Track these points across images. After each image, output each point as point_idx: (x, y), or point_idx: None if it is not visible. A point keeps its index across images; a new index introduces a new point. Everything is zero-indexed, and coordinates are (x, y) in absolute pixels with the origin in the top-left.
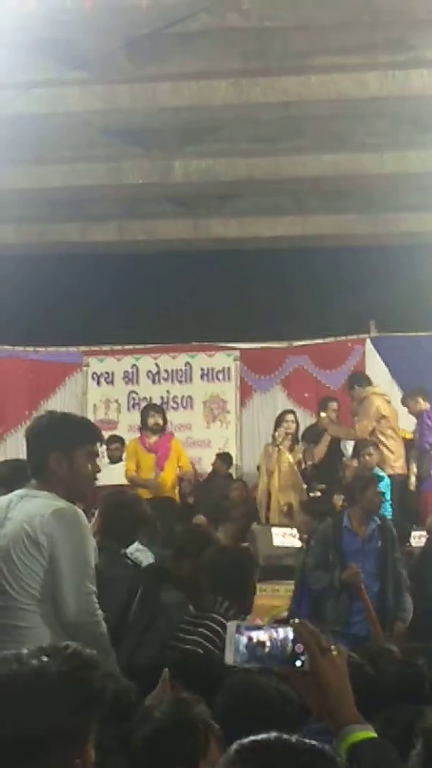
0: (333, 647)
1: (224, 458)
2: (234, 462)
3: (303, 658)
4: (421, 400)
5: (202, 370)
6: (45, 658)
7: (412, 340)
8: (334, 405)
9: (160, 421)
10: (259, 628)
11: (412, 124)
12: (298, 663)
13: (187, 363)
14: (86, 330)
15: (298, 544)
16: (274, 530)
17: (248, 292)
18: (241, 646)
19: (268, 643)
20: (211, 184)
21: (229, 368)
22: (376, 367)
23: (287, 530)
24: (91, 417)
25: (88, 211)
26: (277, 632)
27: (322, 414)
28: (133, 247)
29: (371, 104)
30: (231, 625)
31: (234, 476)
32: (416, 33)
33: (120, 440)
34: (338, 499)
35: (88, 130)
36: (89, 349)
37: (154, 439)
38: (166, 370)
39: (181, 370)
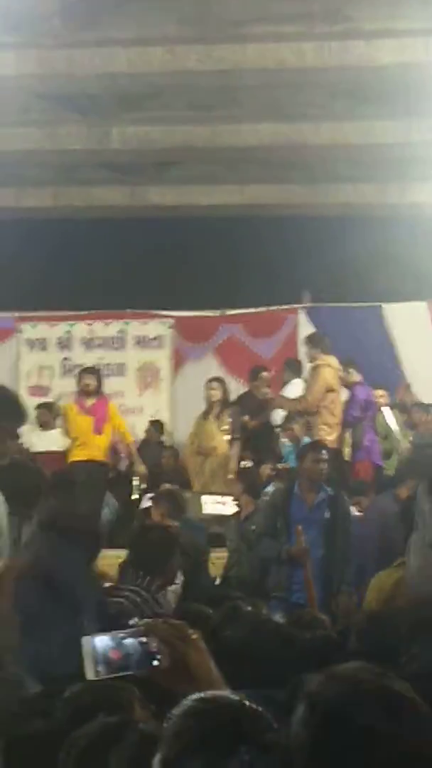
0: (193, 633)
1: (156, 426)
2: (166, 429)
3: (158, 656)
4: (353, 371)
5: (136, 337)
6: None
7: (345, 311)
8: (265, 375)
9: (94, 383)
10: (112, 637)
11: (349, 96)
12: (155, 662)
13: (121, 330)
14: (20, 296)
15: (227, 511)
16: (204, 498)
17: (183, 260)
18: (98, 658)
19: (123, 652)
20: (148, 152)
21: (162, 336)
22: None
23: (217, 498)
24: (23, 383)
25: (24, 176)
26: (128, 639)
27: (265, 389)
28: (69, 213)
29: (309, 74)
30: (85, 641)
31: (166, 444)
32: (354, 4)
33: (49, 406)
34: (265, 468)
35: (24, 94)
36: (22, 315)
37: (91, 401)
38: (100, 337)
39: (115, 337)
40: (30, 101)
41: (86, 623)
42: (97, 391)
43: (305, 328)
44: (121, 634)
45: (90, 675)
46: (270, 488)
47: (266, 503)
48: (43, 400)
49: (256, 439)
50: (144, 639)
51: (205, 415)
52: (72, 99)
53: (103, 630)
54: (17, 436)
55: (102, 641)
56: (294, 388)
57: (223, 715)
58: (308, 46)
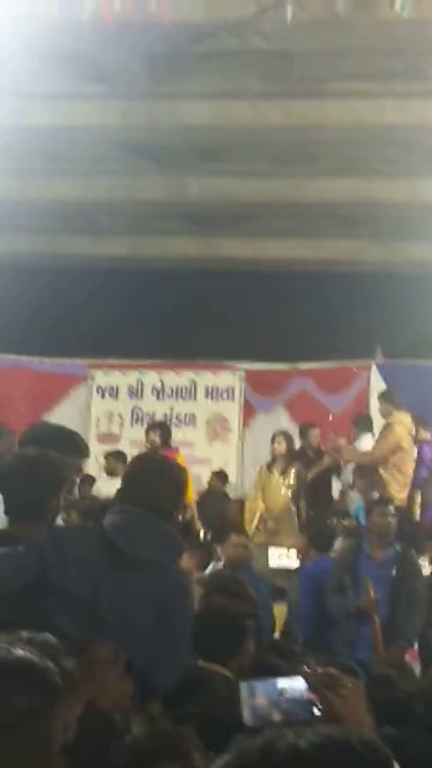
0: (350, 683)
1: (220, 476)
2: (230, 480)
3: (320, 705)
4: (422, 430)
5: (206, 388)
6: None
7: (417, 368)
8: (315, 432)
9: (159, 439)
10: (271, 684)
11: (426, 154)
12: (316, 711)
13: (192, 380)
14: (93, 343)
15: (292, 565)
16: (271, 550)
17: (256, 312)
18: (257, 706)
19: (284, 701)
20: (224, 204)
21: (233, 388)
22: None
23: (283, 551)
24: (93, 430)
25: (101, 225)
26: (289, 686)
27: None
28: (143, 262)
29: (387, 132)
30: (243, 686)
31: (231, 495)
32: None
33: (123, 456)
34: (331, 523)
35: (105, 144)
36: (95, 362)
37: None
38: (170, 387)
39: (185, 387)
40: (111, 151)
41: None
42: (164, 445)
43: (377, 384)
44: (281, 682)
45: (248, 721)
46: (337, 543)
47: (335, 559)
48: (112, 447)
49: (318, 492)
50: (303, 687)
51: (270, 467)
52: (152, 150)
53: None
54: (81, 471)
55: (262, 688)
56: (363, 444)
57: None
58: (388, 103)
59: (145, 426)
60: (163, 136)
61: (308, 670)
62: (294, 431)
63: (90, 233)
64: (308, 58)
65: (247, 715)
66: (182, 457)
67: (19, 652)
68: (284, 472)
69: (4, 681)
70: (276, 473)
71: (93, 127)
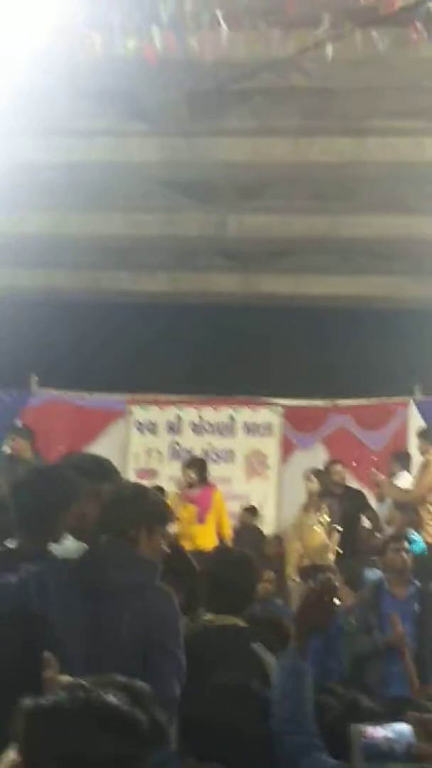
0: None
1: (251, 511)
2: (265, 515)
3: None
4: None
5: (245, 424)
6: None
7: None
8: (337, 467)
9: (194, 475)
10: (379, 728)
11: None
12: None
13: (231, 416)
14: (132, 378)
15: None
16: None
17: (294, 348)
18: (367, 749)
19: (390, 743)
20: (263, 241)
21: (272, 423)
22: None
23: None
24: (132, 465)
25: (141, 261)
26: (395, 729)
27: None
28: (183, 298)
29: (426, 169)
30: (355, 730)
31: (268, 531)
32: None
33: (161, 490)
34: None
35: (145, 180)
36: (134, 397)
37: (195, 490)
38: (209, 422)
39: (224, 422)
40: (151, 187)
41: None
42: (201, 481)
43: (416, 420)
44: (391, 727)
45: (359, 765)
46: (372, 575)
47: (358, 599)
48: (150, 483)
49: (352, 529)
50: (409, 731)
51: (306, 507)
52: (192, 186)
53: None
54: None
55: (371, 732)
56: (401, 481)
57: None
58: (428, 140)
59: (183, 462)
60: (204, 173)
61: (413, 714)
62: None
63: (130, 269)
64: (348, 96)
65: (356, 760)
66: (219, 492)
67: (111, 698)
68: (318, 510)
69: (88, 728)
70: (311, 511)
71: (134, 163)
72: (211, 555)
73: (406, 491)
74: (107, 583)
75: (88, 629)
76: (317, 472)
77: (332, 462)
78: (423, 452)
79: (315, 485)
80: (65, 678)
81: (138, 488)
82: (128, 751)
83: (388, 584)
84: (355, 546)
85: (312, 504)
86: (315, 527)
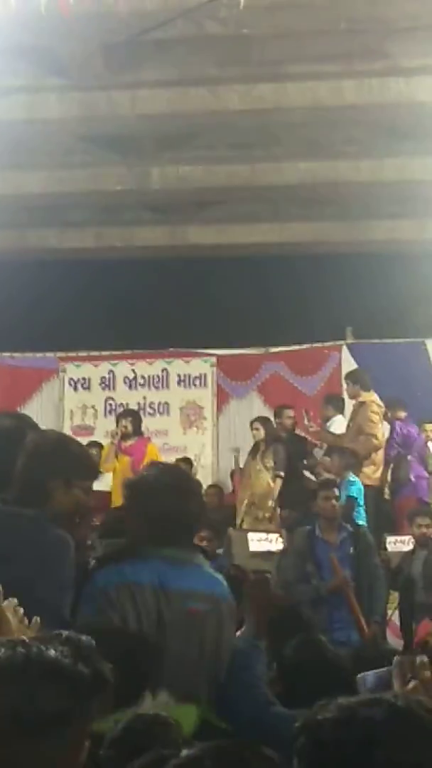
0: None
1: (185, 462)
2: (205, 467)
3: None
4: (401, 410)
5: (178, 376)
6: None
7: (388, 347)
8: (289, 413)
9: (129, 426)
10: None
11: (388, 133)
12: None
13: (164, 369)
14: (63, 336)
15: (274, 548)
16: (250, 535)
17: (225, 298)
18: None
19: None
20: (188, 192)
21: (205, 374)
22: None
23: (263, 535)
24: (68, 423)
25: (66, 218)
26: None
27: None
28: (110, 253)
29: (348, 112)
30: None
31: (207, 481)
32: (393, 41)
33: (99, 446)
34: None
35: (66, 136)
36: (66, 354)
37: (130, 442)
38: (142, 376)
39: (157, 376)
40: (72, 143)
41: None
42: (136, 433)
43: (348, 364)
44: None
45: None
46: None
47: (292, 549)
48: (87, 439)
49: (294, 475)
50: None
51: (253, 454)
52: (113, 141)
53: None
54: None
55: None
56: (336, 425)
57: None
58: (347, 84)
59: (117, 413)
60: (124, 126)
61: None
62: (269, 414)
63: (55, 226)
64: (264, 42)
65: None
66: (154, 445)
67: (50, 653)
68: (264, 456)
69: (29, 684)
70: (257, 457)
71: (53, 119)
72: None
73: (339, 436)
74: None
75: None
76: (262, 420)
77: (283, 407)
78: (352, 396)
79: (261, 433)
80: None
81: (59, 440)
82: (70, 705)
83: (320, 531)
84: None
85: (258, 450)
86: (261, 472)
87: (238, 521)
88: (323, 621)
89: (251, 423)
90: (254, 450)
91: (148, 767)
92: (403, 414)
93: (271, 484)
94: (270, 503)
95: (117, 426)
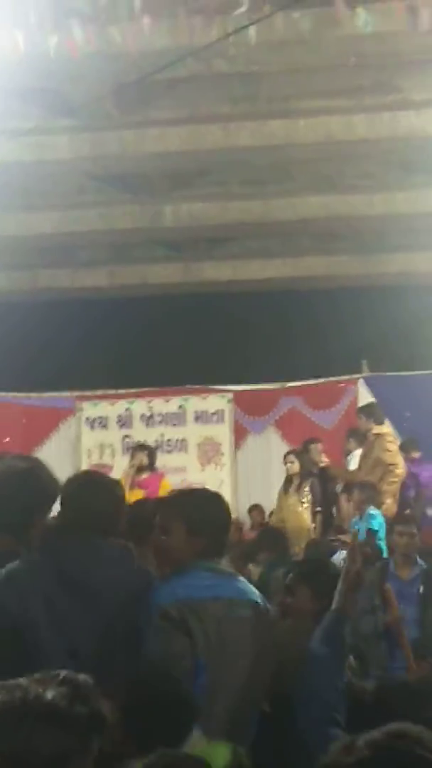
0: None
1: None
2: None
3: None
4: (412, 451)
5: (195, 412)
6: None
7: (404, 379)
8: (318, 447)
9: (145, 460)
10: None
11: (400, 166)
12: None
13: (181, 406)
14: (79, 375)
15: None
16: None
17: (240, 334)
18: None
19: None
20: (201, 228)
21: (222, 410)
22: None
23: None
24: (85, 462)
25: (79, 257)
26: None
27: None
28: (124, 292)
29: (359, 146)
30: None
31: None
32: (403, 75)
33: (118, 484)
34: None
35: (77, 176)
36: (82, 393)
37: (144, 476)
38: (159, 414)
39: (174, 413)
40: (84, 183)
41: None
42: (150, 467)
43: (365, 397)
44: None
45: None
46: (338, 557)
47: (365, 582)
48: None
49: (330, 509)
50: None
51: (286, 489)
52: (125, 179)
53: None
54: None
55: None
56: (354, 458)
57: None
58: (358, 118)
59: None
60: (135, 165)
61: None
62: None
63: (68, 266)
64: (274, 78)
65: None
66: (167, 481)
67: (47, 695)
68: (299, 490)
69: (26, 727)
70: (292, 493)
71: (64, 160)
72: None
73: (353, 471)
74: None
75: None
76: (297, 453)
77: (311, 440)
78: (366, 430)
79: (296, 466)
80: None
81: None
82: (68, 747)
83: (394, 566)
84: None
85: (293, 486)
86: (298, 509)
87: None
88: (382, 656)
89: (285, 456)
90: (286, 484)
91: None
92: (416, 454)
93: (308, 519)
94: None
95: (132, 459)
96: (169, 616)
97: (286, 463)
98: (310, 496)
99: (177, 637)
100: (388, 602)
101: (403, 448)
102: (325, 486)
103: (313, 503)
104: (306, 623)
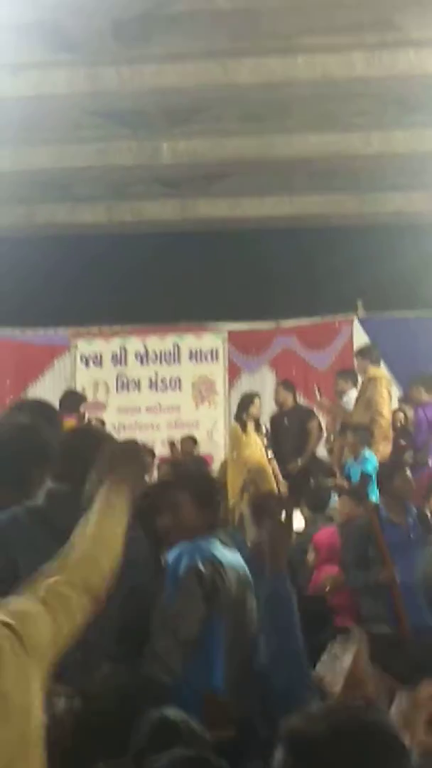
0: None
1: (191, 440)
2: (215, 441)
3: None
4: (423, 391)
5: (190, 351)
6: None
7: (399, 320)
8: (279, 389)
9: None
10: None
11: (398, 105)
12: None
13: (176, 344)
14: (74, 311)
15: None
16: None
17: (236, 272)
18: None
19: None
20: (198, 165)
21: (217, 349)
22: None
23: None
24: None
25: (76, 193)
26: None
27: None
28: (121, 228)
29: (358, 84)
30: None
31: (214, 455)
32: (403, 13)
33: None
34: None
35: (75, 111)
36: (77, 330)
37: None
38: (154, 352)
39: (169, 351)
40: (82, 118)
41: None
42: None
43: (360, 338)
44: None
45: None
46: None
47: (354, 533)
48: (99, 415)
49: (298, 452)
50: None
51: (244, 428)
52: (122, 115)
53: None
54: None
55: None
56: (350, 399)
57: None
58: (357, 56)
59: (173, 439)
60: (134, 101)
61: None
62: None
63: (65, 201)
64: (274, 15)
65: None
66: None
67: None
68: (258, 429)
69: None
70: (251, 431)
71: (62, 94)
72: None
73: (350, 413)
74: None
75: None
76: (258, 395)
77: (276, 383)
78: (361, 371)
79: (257, 409)
80: None
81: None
82: None
83: (387, 512)
84: (314, 467)
85: (253, 424)
86: (253, 444)
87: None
88: (381, 611)
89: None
90: (246, 424)
91: None
92: (428, 398)
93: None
94: (269, 478)
95: (172, 451)
96: (201, 573)
97: (251, 407)
98: (264, 435)
99: (196, 600)
100: (383, 557)
101: (416, 385)
102: (294, 425)
103: (269, 440)
104: None
